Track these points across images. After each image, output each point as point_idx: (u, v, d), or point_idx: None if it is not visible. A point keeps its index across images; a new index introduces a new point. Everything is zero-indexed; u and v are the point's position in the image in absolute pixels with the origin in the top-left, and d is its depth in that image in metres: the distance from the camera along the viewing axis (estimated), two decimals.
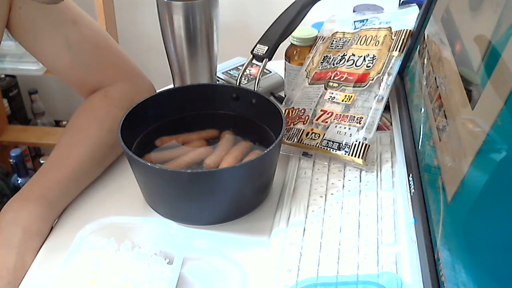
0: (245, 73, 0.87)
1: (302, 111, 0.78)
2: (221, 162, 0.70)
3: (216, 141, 0.75)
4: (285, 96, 0.87)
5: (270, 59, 0.82)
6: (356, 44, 0.80)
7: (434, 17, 0.70)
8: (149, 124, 0.76)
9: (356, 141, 0.71)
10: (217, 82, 0.92)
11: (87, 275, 0.56)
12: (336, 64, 0.80)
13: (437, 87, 0.60)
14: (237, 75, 0.93)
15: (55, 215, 0.68)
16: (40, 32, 0.73)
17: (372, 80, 0.74)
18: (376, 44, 0.77)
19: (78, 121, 0.76)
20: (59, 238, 0.66)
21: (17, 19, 0.71)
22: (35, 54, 0.76)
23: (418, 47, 0.75)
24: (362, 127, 0.71)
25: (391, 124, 0.78)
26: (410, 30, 0.76)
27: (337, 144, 0.72)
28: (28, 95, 1.99)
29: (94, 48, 0.77)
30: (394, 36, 0.76)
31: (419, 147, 0.65)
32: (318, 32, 0.87)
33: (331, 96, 0.76)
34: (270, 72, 0.97)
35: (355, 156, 0.70)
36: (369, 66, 0.76)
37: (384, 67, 0.74)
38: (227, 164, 0.69)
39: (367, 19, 0.83)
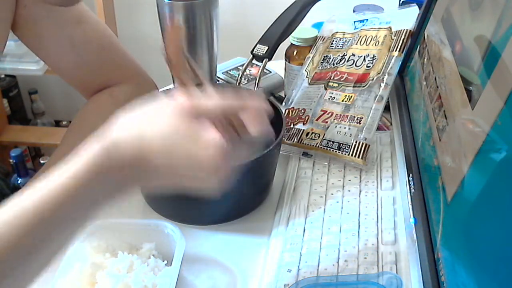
0: (245, 73, 0.87)
1: (302, 111, 0.78)
2: None
3: None
4: (285, 96, 0.87)
5: (270, 59, 0.82)
6: (356, 44, 0.80)
7: (434, 17, 0.70)
8: None
9: (356, 141, 0.71)
10: (217, 82, 0.92)
11: (86, 277, 0.56)
12: (336, 64, 0.80)
13: (437, 87, 0.60)
14: (237, 75, 0.93)
15: None
16: (44, 31, 0.72)
17: (372, 80, 0.74)
18: (376, 44, 0.77)
19: (82, 121, 0.76)
20: None
21: (21, 18, 0.71)
22: (39, 54, 0.76)
23: (418, 47, 0.75)
24: (362, 127, 0.71)
25: (391, 124, 0.78)
26: (410, 30, 0.76)
27: (337, 144, 0.72)
28: (28, 95, 1.99)
29: (99, 48, 0.77)
30: (394, 36, 0.76)
31: (419, 147, 0.65)
32: (318, 32, 0.87)
33: (331, 96, 0.76)
34: (270, 72, 0.97)
35: (355, 156, 0.70)
36: (369, 66, 0.76)
37: (384, 67, 0.74)
38: None
39: (367, 19, 0.83)
